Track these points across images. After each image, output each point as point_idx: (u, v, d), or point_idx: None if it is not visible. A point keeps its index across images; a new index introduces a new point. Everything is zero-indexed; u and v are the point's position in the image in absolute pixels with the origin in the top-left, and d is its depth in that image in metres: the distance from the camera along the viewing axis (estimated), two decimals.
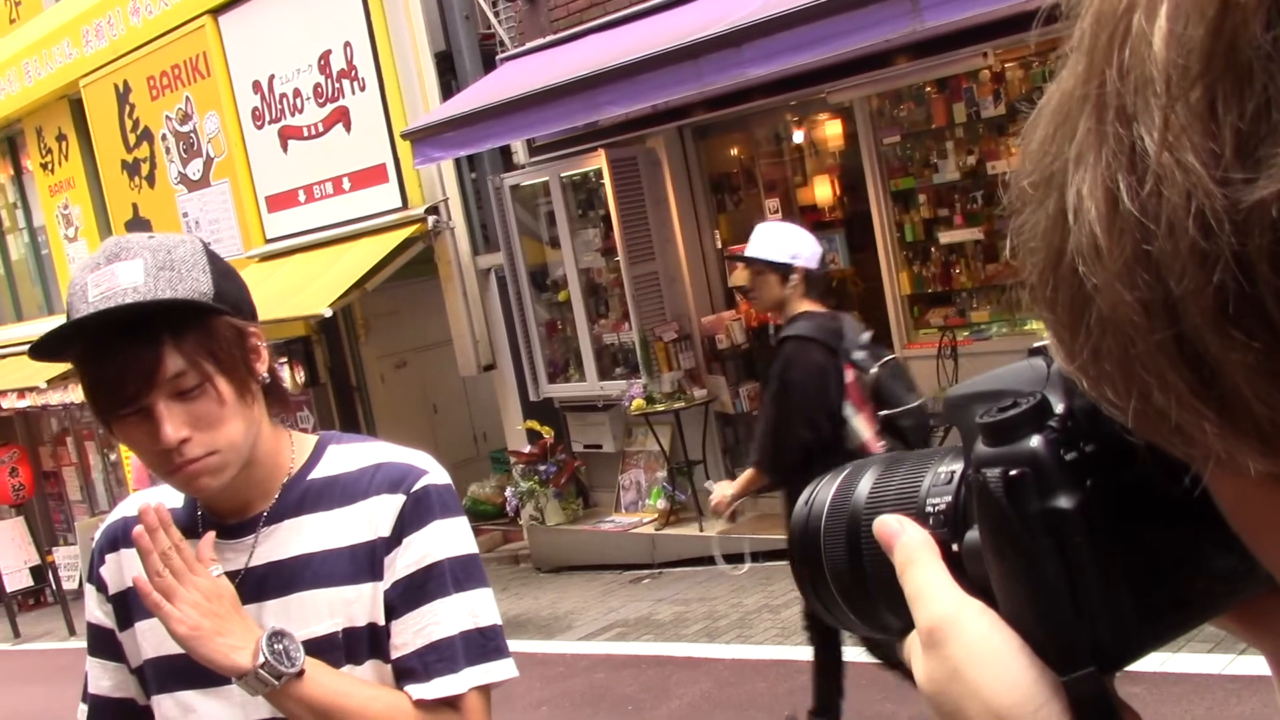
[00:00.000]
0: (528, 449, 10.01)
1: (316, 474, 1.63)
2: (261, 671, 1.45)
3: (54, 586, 14.76)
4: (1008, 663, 0.53)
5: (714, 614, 7.32)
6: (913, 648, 0.58)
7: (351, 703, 1.50)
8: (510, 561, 10.17)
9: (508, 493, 10.09)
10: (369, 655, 1.57)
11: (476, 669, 1.57)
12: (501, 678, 1.60)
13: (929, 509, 0.58)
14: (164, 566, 1.46)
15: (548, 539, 9.87)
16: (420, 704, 1.54)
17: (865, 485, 0.63)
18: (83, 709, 1.74)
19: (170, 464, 1.51)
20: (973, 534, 0.55)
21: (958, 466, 0.58)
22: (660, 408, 8.99)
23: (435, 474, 1.63)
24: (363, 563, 1.57)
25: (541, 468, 9.77)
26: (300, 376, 12.02)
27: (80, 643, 8.88)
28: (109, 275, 1.46)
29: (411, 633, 1.56)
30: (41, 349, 1.51)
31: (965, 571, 0.56)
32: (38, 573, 15.20)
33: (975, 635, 0.54)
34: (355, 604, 1.57)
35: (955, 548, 0.56)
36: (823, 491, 0.66)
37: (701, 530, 8.82)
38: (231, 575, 1.58)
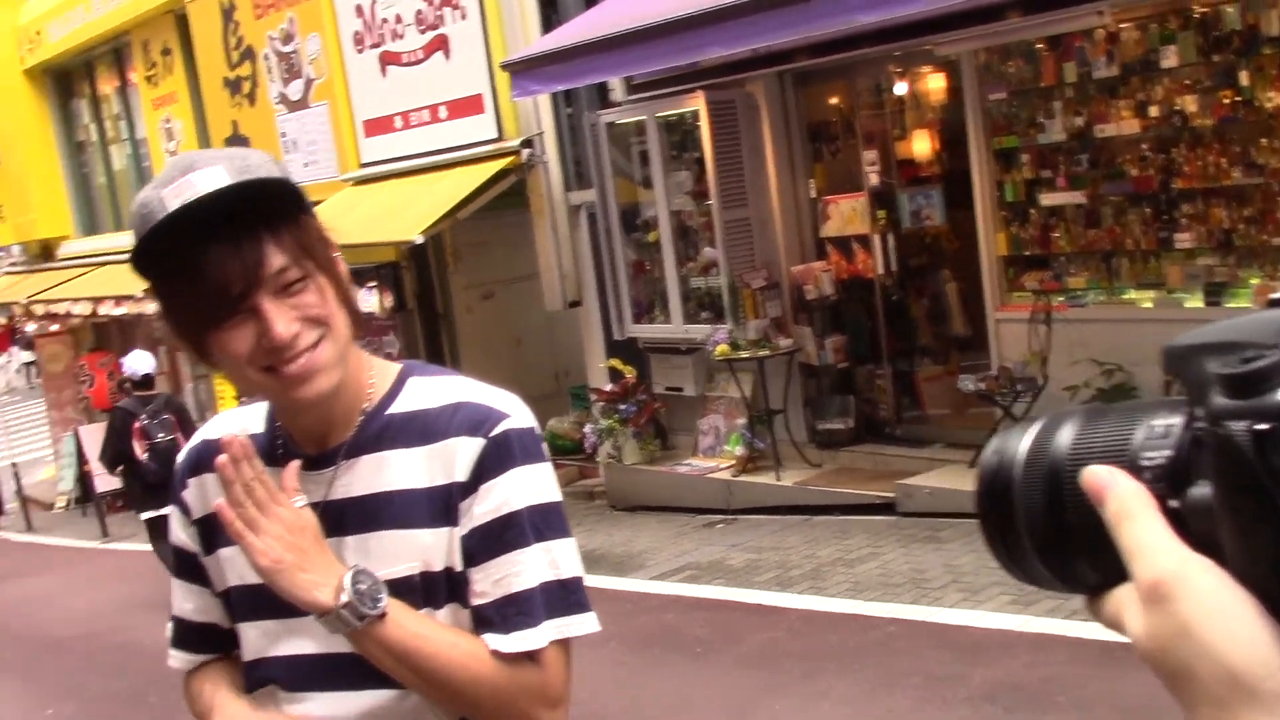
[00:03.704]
0: (609, 387, 10.05)
1: (396, 408, 1.57)
2: (344, 611, 1.41)
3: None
4: (1243, 621, 0.51)
5: (787, 563, 7.34)
6: (1124, 604, 0.56)
7: (430, 647, 1.45)
8: (585, 497, 10.26)
9: (586, 429, 10.16)
10: (446, 600, 1.53)
11: (556, 622, 1.51)
12: (582, 631, 1.54)
13: (1144, 462, 0.57)
14: (247, 497, 1.43)
15: (624, 478, 9.94)
16: (498, 655, 1.49)
17: (1066, 436, 0.62)
18: (170, 653, 1.72)
19: (280, 362, 1.44)
20: (1200, 490, 0.53)
21: (1176, 420, 0.56)
22: (744, 355, 8.97)
23: (518, 417, 1.55)
24: (439, 507, 1.52)
25: (621, 407, 9.82)
26: (388, 302, 12.17)
27: None
28: (188, 185, 1.38)
29: (490, 582, 1.51)
30: (141, 258, 1.42)
31: (1188, 527, 0.54)
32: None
33: (1205, 592, 0.52)
34: (432, 548, 1.52)
35: (1174, 504, 0.55)
36: (1014, 443, 0.65)
37: (778, 479, 8.82)
38: (310, 508, 1.54)
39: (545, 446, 1.60)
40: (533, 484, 1.53)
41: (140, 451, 9.06)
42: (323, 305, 1.46)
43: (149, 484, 9.01)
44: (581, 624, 1.54)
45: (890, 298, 9.24)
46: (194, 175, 1.39)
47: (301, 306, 1.44)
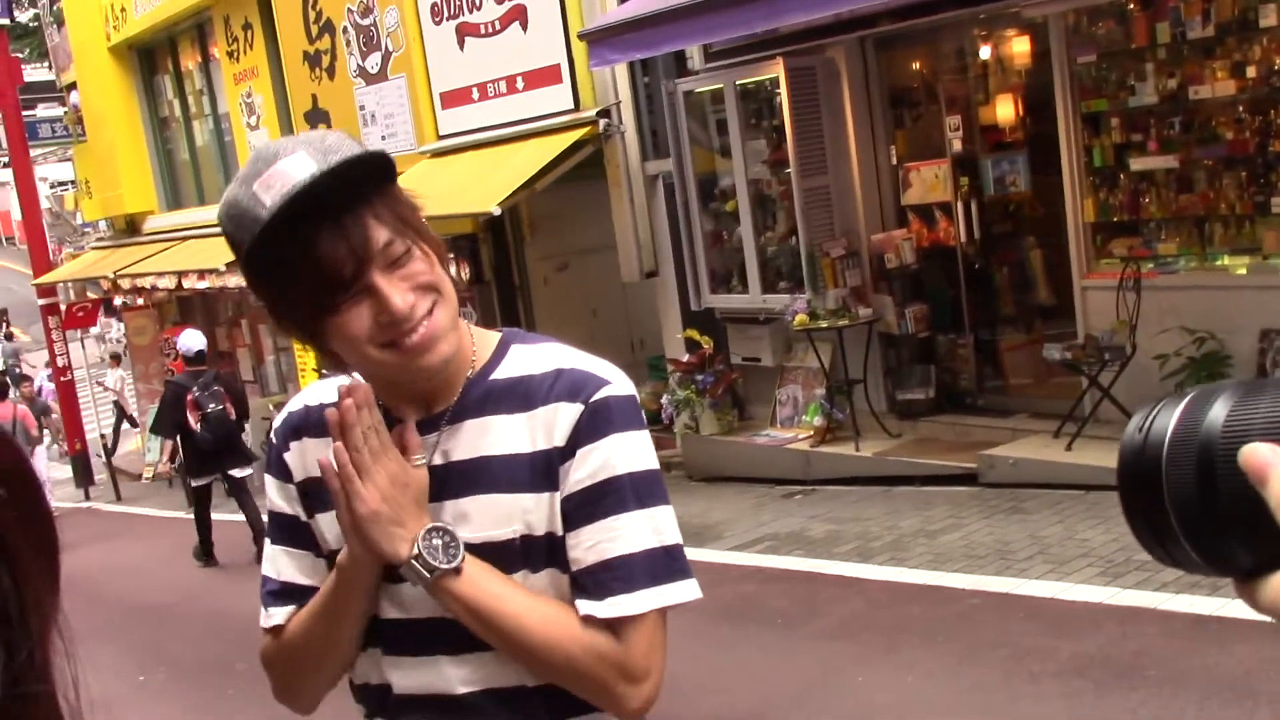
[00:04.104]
0: (686, 358, 10.01)
1: (499, 374, 1.57)
2: (414, 563, 1.44)
3: None
4: None
5: (867, 534, 7.26)
6: None
7: (507, 606, 1.46)
8: (662, 469, 10.24)
9: (663, 400, 10.13)
10: (546, 564, 1.52)
11: (658, 589, 1.49)
12: (684, 598, 1.51)
13: None
14: (364, 443, 1.44)
15: (701, 448, 9.90)
16: (590, 620, 1.47)
17: (1219, 412, 0.59)
18: (269, 614, 1.66)
19: (400, 335, 1.44)
20: None
21: None
22: (823, 324, 8.88)
23: (618, 385, 1.55)
24: (540, 471, 1.51)
25: (699, 377, 9.77)
26: (465, 273, 12.23)
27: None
28: (278, 175, 1.37)
29: (585, 548, 1.50)
30: (254, 263, 1.41)
31: None
32: None
33: None
34: (533, 512, 1.51)
35: None
36: (1161, 418, 0.61)
37: (858, 450, 8.73)
38: None
39: (643, 415, 1.59)
40: (632, 450, 1.53)
41: (194, 422, 9.79)
42: (430, 271, 1.47)
43: (203, 451, 9.90)
44: (684, 590, 1.52)
45: (973, 266, 9.08)
46: (281, 164, 1.38)
47: (411, 276, 1.45)
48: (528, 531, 1.52)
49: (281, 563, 1.67)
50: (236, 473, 10.16)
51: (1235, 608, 5.02)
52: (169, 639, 8.43)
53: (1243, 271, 7.32)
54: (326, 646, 1.61)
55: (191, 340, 10.46)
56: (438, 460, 1.55)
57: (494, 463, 1.54)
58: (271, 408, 15.63)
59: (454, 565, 1.45)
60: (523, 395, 1.55)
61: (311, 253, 1.39)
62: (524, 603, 1.48)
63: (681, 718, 4.74)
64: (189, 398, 9.84)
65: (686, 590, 1.52)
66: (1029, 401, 8.64)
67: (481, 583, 1.47)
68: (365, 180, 1.43)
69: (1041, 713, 4.47)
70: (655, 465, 1.56)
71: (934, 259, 9.12)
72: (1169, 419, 0.61)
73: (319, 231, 1.38)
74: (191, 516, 10.93)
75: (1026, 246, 9.12)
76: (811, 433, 9.20)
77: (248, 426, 13.79)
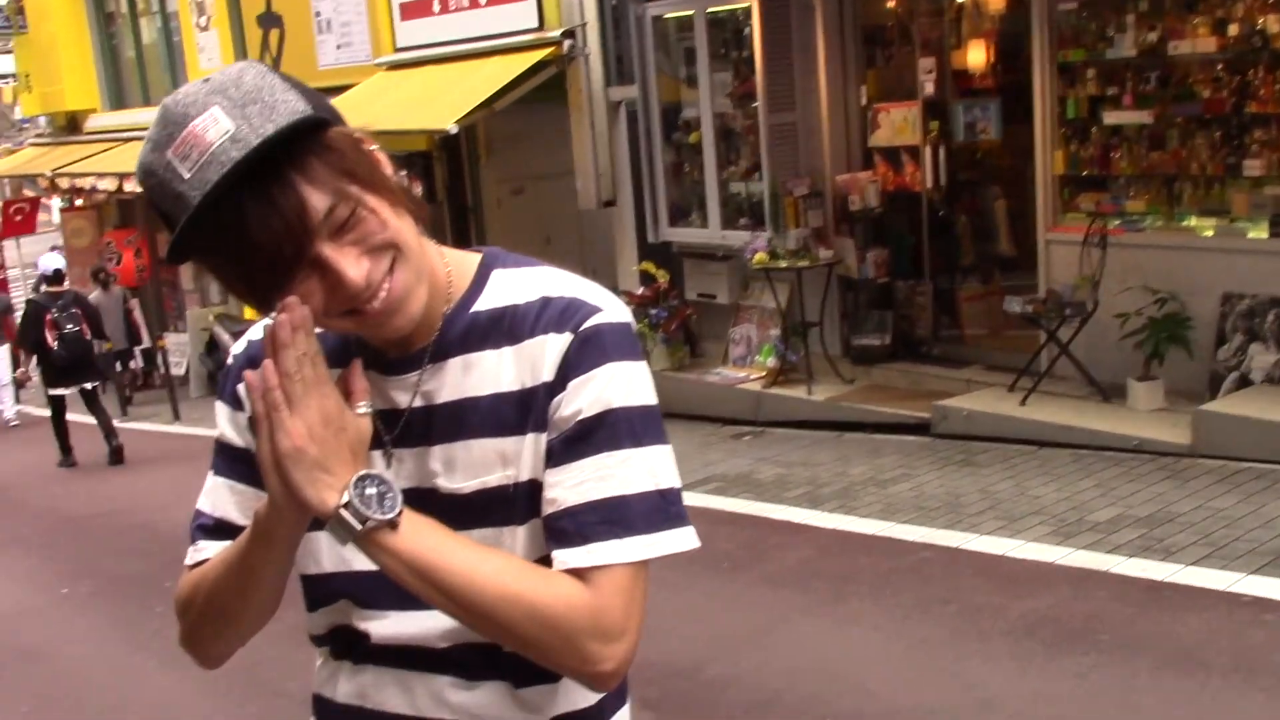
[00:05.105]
0: (640, 291, 9.83)
1: (481, 305, 1.40)
2: (343, 512, 1.24)
3: (162, 370, 15.15)
4: None
5: (817, 480, 7.17)
6: None
7: (452, 562, 1.27)
8: None
9: None
10: (528, 515, 1.36)
11: (651, 537, 1.30)
12: (681, 547, 1.33)
13: None
14: (297, 371, 1.24)
15: None
16: (571, 572, 1.29)
17: None
18: (196, 548, 1.50)
19: (362, 305, 1.28)
20: None
21: None
22: (783, 264, 8.72)
23: (611, 311, 1.37)
24: (527, 410, 1.35)
25: (653, 311, 9.61)
26: (417, 192, 11.92)
27: (182, 428, 9.10)
28: (192, 139, 1.19)
29: (567, 487, 1.32)
30: (176, 255, 1.25)
31: None
32: (148, 355, 15.58)
33: None
34: (521, 455, 1.35)
35: None
36: None
37: (810, 394, 8.62)
38: (394, 415, 1.39)
39: (639, 345, 1.40)
40: (627, 383, 1.34)
41: (51, 340, 10.93)
42: (383, 228, 1.27)
43: (58, 367, 11.07)
44: (680, 539, 1.33)
45: (937, 213, 8.94)
46: (194, 125, 1.19)
47: (363, 240, 1.26)
48: (519, 478, 1.36)
49: (221, 496, 1.49)
50: (89, 385, 11.31)
51: (1189, 575, 4.98)
52: (96, 552, 8.20)
53: (1209, 233, 7.24)
54: (238, 605, 1.43)
55: (50, 261, 11.88)
56: (419, 403, 1.39)
57: (480, 404, 1.37)
58: (211, 318, 15.29)
59: (389, 517, 1.25)
60: (507, 327, 1.38)
61: (243, 234, 1.20)
62: (473, 556, 1.29)
63: None
64: (48, 317, 10.93)
65: (683, 539, 1.33)
66: (984, 353, 8.57)
67: (423, 536, 1.27)
68: (294, 138, 1.21)
69: (990, 671, 4.40)
70: (653, 400, 1.37)
71: (898, 203, 8.97)
72: None
73: (244, 206, 1.19)
74: (125, 426, 10.93)
75: (992, 196, 9.00)
76: (764, 374, 9.07)
77: (186, 338, 13.71)
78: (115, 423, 11.79)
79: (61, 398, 11.26)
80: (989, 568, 5.41)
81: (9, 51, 23.88)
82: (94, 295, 13.49)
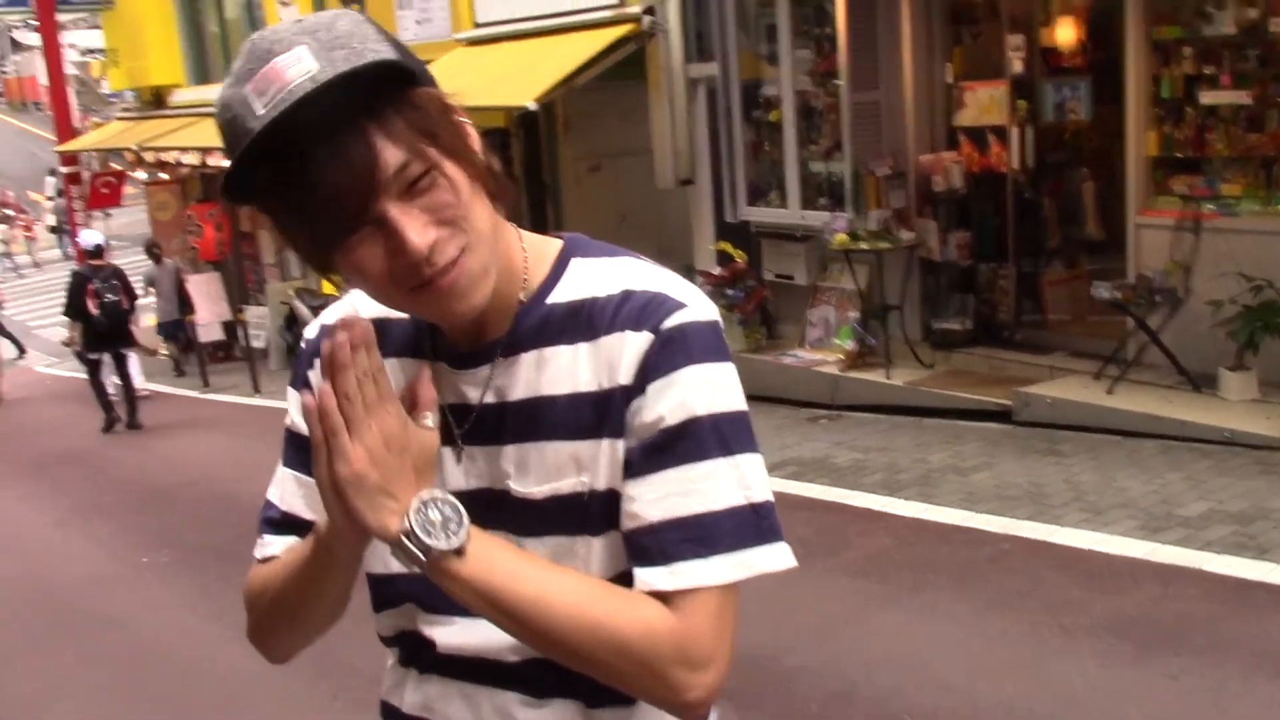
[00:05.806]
0: (717, 271, 9.74)
1: (558, 296, 1.31)
2: (405, 540, 1.17)
3: (242, 343, 15.36)
4: None
5: (895, 466, 7.05)
6: None
7: (527, 587, 1.19)
8: None
9: None
10: (605, 526, 1.27)
11: (742, 555, 1.22)
12: (774, 566, 1.23)
13: None
14: (358, 392, 1.17)
15: None
16: (645, 593, 1.21)
17: None
18: (263, 542, 1.44)
19: (421, 280, 1.19)
20: None
21: None
22: (864, 246, 8.58)
23: (696, 307, 1.27)
24: (604, 413, 1.26)
25: (729, 292, 9.51)
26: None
27: (262, 400, 9.23)
28: (272, 75, 1.12)
29: (649, 501, 1.23)
30: (232, 189, 1.17)
31: None
32: (229, 328, 15.80)
33: None
34: (597, 461, 1.26)
35: None
36: None
37: (888, 378, 8.49)
38: (466, 410, 1.31)
39: (727, 345, 1.30)
40: (714, 386, 1.25)
41: (93, 308, 11.88)
42: (458, 202, 1.18)
43: (98, 334, 12.05)
44: (773, 556, 1.24)
45: (1022, 195, 8.73)
46: (276, 62, 1.12)
47: (435, 210, 1.17)
48: (594, 486, 1.27)
49: (288, 488, 1.43)
50: (124, 350, 12.36)
51: None
52: (180, 522, 8.31)
53: None
54: (305, 610, 1.38)
55: (90, 237, 12.85)
56: (491, 399, 1.31)
57: (556, 403, 1.28)
58: (291, 292, 15.44)
59: (454, 546, 1.18)
60: (586, 322, 1.29)
61: (304, 184, 1.13)
62: (547, 579, 1.21)
63: None
64: (90, 287, 11.90)
65: (777, 556, 1.24)
66: (1068, 339, 8.36)
67: (493, 560, 1.20)
68: (376, 90, 1.14)
69: (1073, 669, 4.28)
70: (743, 405, 1.27)
71: (983, 185, 8.77)
72: None
73: (313, 151, 1.12)
74: (206, 397, 11.11)
75: (1080, 178, 8.76)
76: (841, 356, 8.95)
77: (266, 311, 14.07)
78: (196, 394, 12.11)
79: (98, 361, 12.28)
80: (1073, 562, 5.27)
81: (98, 27, 24.33)
82: (148, 268, 14.46)
